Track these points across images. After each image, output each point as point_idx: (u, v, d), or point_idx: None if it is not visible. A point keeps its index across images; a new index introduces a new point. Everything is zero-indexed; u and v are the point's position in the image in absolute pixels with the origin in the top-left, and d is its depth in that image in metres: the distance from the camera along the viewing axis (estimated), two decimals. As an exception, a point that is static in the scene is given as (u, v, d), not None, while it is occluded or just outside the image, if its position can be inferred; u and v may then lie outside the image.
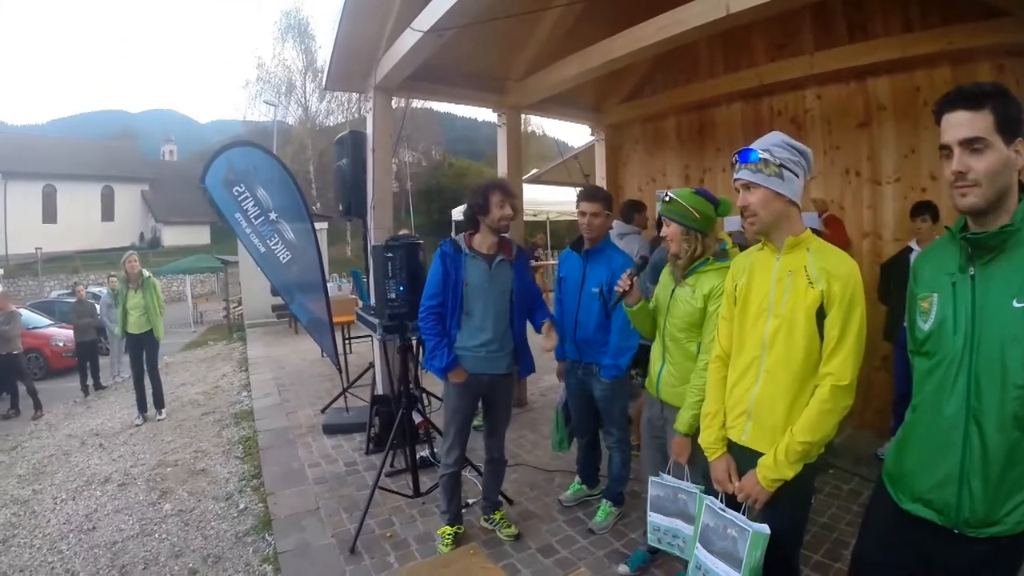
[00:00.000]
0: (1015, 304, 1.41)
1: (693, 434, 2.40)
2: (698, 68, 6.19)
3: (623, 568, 3.10)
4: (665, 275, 2.75)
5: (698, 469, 2.41)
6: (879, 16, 4.71)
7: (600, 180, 7.33)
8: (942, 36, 4.11)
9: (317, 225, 13.46)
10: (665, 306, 2.66)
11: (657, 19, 3.89)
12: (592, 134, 7.51)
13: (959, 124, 1.44)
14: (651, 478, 2.57)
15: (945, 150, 1.47)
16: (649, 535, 2.58)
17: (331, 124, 35.11)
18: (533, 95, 5.63)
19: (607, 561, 3.23)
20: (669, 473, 2.52)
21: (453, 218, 14.90)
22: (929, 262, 1.68)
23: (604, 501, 3.61)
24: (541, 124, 34.83)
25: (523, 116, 6.72)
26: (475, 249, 3.17)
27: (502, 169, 6.04)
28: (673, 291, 2.63)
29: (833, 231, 4.58)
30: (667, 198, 2.57)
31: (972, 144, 1.42)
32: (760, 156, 1.89)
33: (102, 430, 6.69)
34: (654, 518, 2.54)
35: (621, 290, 2.55)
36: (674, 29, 3.78)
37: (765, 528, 1.85)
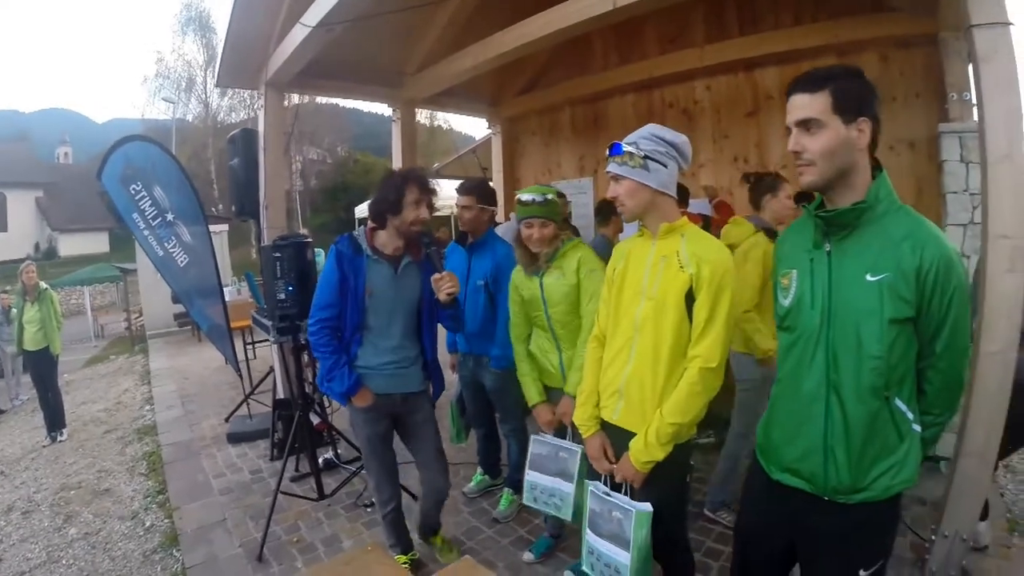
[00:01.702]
0: (868, 278, 1.48)
1: None
2: (593, 61, 6.30)
3: (528, 555, 3.15)
4: (518, 276, 2.84)
5: None
6: (770, 9, 4.88)
7: (497, 173, 7.40)
8: (829, 29, 4.33)
9: (217, 227, 13.04)
10: (539, 299, 2.73)
11: (548, 12, 3.95)
12: (489, 127, 7.56)
13: (798, 106, 1.52)
14: (533, 436, 2.70)
15: (789, 131, 1.55)
16: (525, 495, 2.68)
17: (233, 121, 33.69)
18: (428, 89, 5.63)
19: (512, 549, 3.28)
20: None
21: (357, 216, 14.64)
22: (788, 240, 1.76)
23: (506, 490, 3.67)
24: (448, 118, 34.53)
25: (433, 111, 6.72)
26: (378, 250, 2.67)
27: (397, 165, 5.99)
28: (541, 282, 2.72)
29: (723, 216, 4.77)
30: (543, 199, 2.64)
31: (807, 125, 1.50)
32: (625, 149, 1.96)
33: (2, 457, 6.29)
34: (532, 476, 2.64)
35: None
36: (565, 22, 3.85)
37: (647, 506, 1.91)
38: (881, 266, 1.47)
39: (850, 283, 1.51)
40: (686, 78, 5.47)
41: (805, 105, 1.50)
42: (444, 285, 2.56)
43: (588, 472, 2.24)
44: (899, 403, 1.52)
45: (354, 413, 2.77)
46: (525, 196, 2.66)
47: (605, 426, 2.13)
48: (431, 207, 2.70)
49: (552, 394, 2.81)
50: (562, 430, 2.66)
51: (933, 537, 2.70)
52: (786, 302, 1.66)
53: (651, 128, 1.99)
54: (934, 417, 1.58)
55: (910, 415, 1.53)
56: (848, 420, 1.52)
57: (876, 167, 1.55)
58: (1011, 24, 2.44)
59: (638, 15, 4.10)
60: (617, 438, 2.06)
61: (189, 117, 34.96)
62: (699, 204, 4.93)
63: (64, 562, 3.68)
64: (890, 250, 1.47)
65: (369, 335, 2.70)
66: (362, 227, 2.78)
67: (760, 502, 1.80)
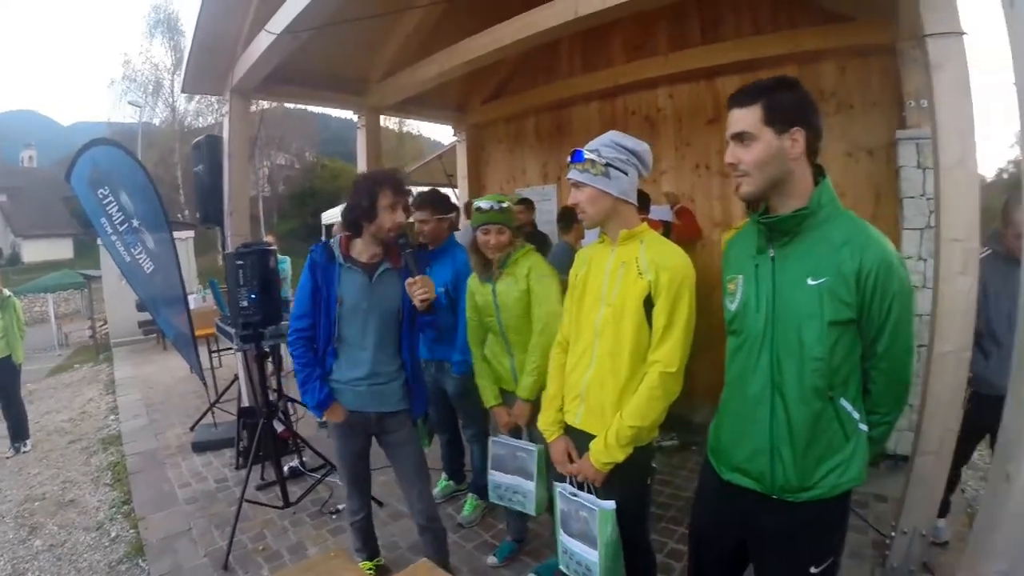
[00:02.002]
0: (809, 282, 1.51)
1: (534, 399, 2.62)
2: (558, 68, 6.35)
3: (491, 559, 3.19)
4: (473, 282, 2.90)
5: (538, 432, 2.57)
6: (731, 18, 4.97)
7: (462, 179, 7.43)
8: (788, 39, 4.40)
9: (183, 234, 12.83)
10: (492, 305, 2.79)
11: (512, 20, 3.98)
12: (455, 134, 7.57)
13: (733, 120, 1.56)
14: (491, 438, 2.79)
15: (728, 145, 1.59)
16: (490, 493, 2.77)
17: (200, 125, 33.32)
18: (393, 96, 5.64)
19: (476, 553, 3.31)
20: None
21: (324, 223, 14.35)
22: (735, 246, 1.78)
23: (470, 495, 3.70)
24: (417, 125, 34.47)
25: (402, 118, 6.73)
26: (352, 258, 2.55)
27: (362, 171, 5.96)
28: (493, 289, 2.78)
29: (685, 222, 4.87)
30: (499, 207, 2.71)
31: (741, 137, 1.54)
32: (587, 156, 1.97)
33: (-36, 470, 6.13)
34: (495, 476, 2.74)
35: None
36: (529, 30, 3.87)
37: (610, 504, 1.95)
38: (822, 270, 1.50)
39: (792, 287, 1.55)
40: (649, 86, 5.53)
41: (739, 119, 1.54)
42: (417, 290, 2.43)
43: (554, 473, 2.27)
44: (844, 403, 1.55)
45: (331, 426, 2.70)
46: (482, 203, 2.72)
47: (569, 430, 2.16)
48: (407, 210, 2.60)
49: (507, 397, 2.87)
50: (518, 430, 2.76)
51: (893, 534, 2.76)
52: (732, 307, 1.69)
53: (612, 135, 2.01)
54: (880, 416, 1.61)
55: (856, 415, 1.56)
56: (792, 420, 1.55)
57: (820, 174, 1.59)
58: (964, 34, 2.50)
59: (603, 24, 4.14)
60: (580, 441, 2.09)
61: (156, 121, 34.49)
62: (661, 210, 5.01)
63: (30, 574, 3.64)
64: (831, 255, 1.50)
65: (343, 347, 2.57)
66: (336, 236, 2.65)
67: (712, 502, 1.83)
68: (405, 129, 34.58)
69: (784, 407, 1.56)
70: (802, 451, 1.55)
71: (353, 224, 2.53)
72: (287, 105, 30.27)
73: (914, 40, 2.86)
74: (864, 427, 1.59)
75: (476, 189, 7.27)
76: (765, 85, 1.54)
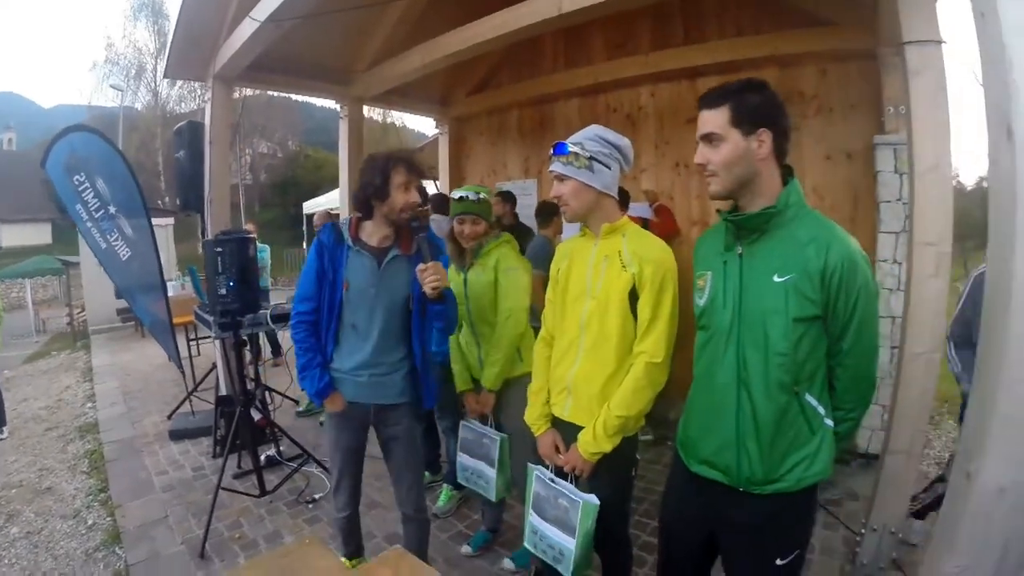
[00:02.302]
0: (775, 279, 1.55)
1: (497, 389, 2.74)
2: (542, 64, 6.39)
3: (465, 548, 3.24)
4: (450, 271, 2.89)
5: (509, 420, 2.71)
6: (714, 20, 5.02)
7: (444, 172, 7.46)
8: (769, 42, 4.46)
9: (163, 221, 12.70)
10: (463, 294, 2.84)
11: (496, 15, 3.99)
12: (437, 127, 7.60)
13: (702, 122, 1.60)
14: (462, 422, 2.86)
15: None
16: (458, 474, 2.86)
17: (183, 111, 32.76)
18: (376, 87, 5.64)
19: (451, 544, 3.36)
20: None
21: (305, 212, 14.16)
22: (705, 243, 1.82)
23: (445, 485, 3.74)
24: (402, 116, 34.07)
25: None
26: (362, 240, 2.45)
27: (344, 162, 6.02)
28: (465, 278, 2.84)
29: (663, 219, 4.93)
30: (476, 198, 2.76)
31: (710, 138, 1.58)
32: (571, 149, 1.98)
33: (-60, 458, 6.09)
34: (462, 458, 2.84)
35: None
36: (512, 25, 3.89)
37: (594, 498, 1.98)
38: (788, 268, 1.54)
39: (759, 284, 1.59)
40: (631, 84, 5.59)
41: (707, 120, 1.58)
42: (428, 276, 2.28)
43: (534, 457, 2.29)
44: (809, 398, 1.58)
45: (327, 415, 2.59)
46: (461, 193, 2.77)
47: (557, 422, 2.19)
48: (421, 191, 2.52)
49: (479, 385, 2.93)
50: (486, 417, 2.85)
51: (863, 531, 2.80)
52: (701, 302, 1.73)
53: (596, 129, 2.04)
54: (845, 412, 1.64)
55: (821, 410, 1.60)
56: (757, 414, 1.59)
57: (788, 174, 1.62)
58: (943, 42, 2.54)
59: (587, 22, 4.17)
60: (568, 433, 2.11)
61: (138, 106, 34.01)
62: (640, 208, 5.07)
63: (6, 561, 3.62)
64: (797, 253, 1.53)
65: (347, 334, 2.47)
66: (347, 218, 2.54)
67: (681, 494, 1.87)
68: (389, 120, 34.26)
69: (750, 401, 1.60)
70: (768, 444, 1.58)
71: (364, 203, 2.42)
72: (271, 93, 30.04)
73: (894, 46, 2.90)
74: (830, 422, 1.62)
75: (457, 181, 7.30)
76: (733, 87, 1.58)
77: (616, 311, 1.97)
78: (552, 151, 2.06)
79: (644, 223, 4.54)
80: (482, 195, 2.77)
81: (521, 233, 4.48)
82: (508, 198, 5.12)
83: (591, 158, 1.98)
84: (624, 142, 2.05)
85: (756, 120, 1.54)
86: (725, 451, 1.65)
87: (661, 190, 5.35)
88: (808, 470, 1.59)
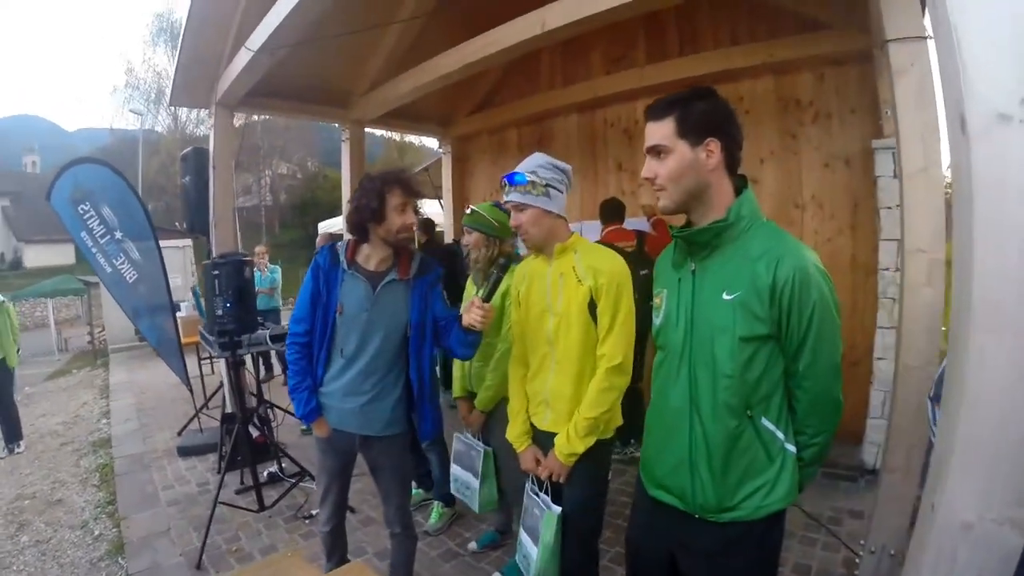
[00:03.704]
0: (724, 297, 1.47)
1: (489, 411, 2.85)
2: (539, 81, 6.46)
3: (472, 545, 3.42)
4: (470, 285, 3.03)
5: (496, 438, 2.74)
6: (709, 30, 5.02)
7: (447, 192, 7.56)
8: (764, 49, 4.43)
9: (181, 242, 12.86)
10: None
11: (483, 36, 4.07)
12: (439, 147, 7.69)
13: (648, 134, 1.54)
14: (456, 435, 2.94)
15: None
16: (452, 485, 2.94)
17: (202, 133, 33.42)
18: (376, 109, 5.76)
19: (440, 561, 3.40)
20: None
21: (320, 231, 13.86)
22: (663, 261, 1.76)
23: (435, 503, 3.78)
24: (417, 136, 34.38)
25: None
26: (358, 264, 2.37)
27: (347, 184, 6.14)
28: (478, 293, 2.90)
29: (660, 232, 4.95)
30: (469, 211, 2.88)
31: (655, 151, 1.52)
32: (528, 179, 2.07)
33: (-41, 468, 6.28)
34: (455, 469, 2.93)
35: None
36: (498, 45, 3.97)
37: (556, 508, 2.08)
38: (736, 284, 1.46)
39: (708, 302, 1.52)
40: (628, 98, 5.59)
41: (653, 132, 1.52)
42: (476, 314, 2.17)
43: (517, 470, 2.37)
44: (766, 422, 1.50)
45: (315, 437, 2.50)
46: (468, 208, 2.93)
47: (538, 433, 2.26)
48: (417, 211, 2.41)
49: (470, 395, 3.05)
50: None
51: (862, 552, 2.67)
52: (657, 321, 1.69)
53: (543, 157, 2.12)
54: (808, 437, 1.55)
55: (780, 435, 1.51)
56: (708, 437, 1.52)
57: (742, 185, 1.56)
58: (928, 38, 2.38)
59: (582, 36, 4.21)
60: (550, 442, 2.17)
61: (159, 128, 34.61)
62: (637, 222, 5.11)
63: (15, 568, 3.75)
64: (746, 268, 1.46)
65: (338, 359, 2.38)
66: (345, 240, 2.47)
67: (643, 516, 1.83)
68: (407, 139, 34.58)
69: (701, 423, 1.53)
70: (720, 470, 1.51)
71: (359, 227, 2.34)
72: (288, 114, 30.36)
73: (879, 45, 2.72)
74: (791, 447, 1.53)
75: (461, 200, 7.41)
76: (678, 97, 1.51)
77: (578, 322, 2.06)
78: (506, 181, 2.12)
79: (640, 235, 4.61)
80: (477, 210, 2.87)
81: (443, 256, 4.63)
82: (426, 225, 5.46)
83: (547, 185, 2.07)
84: (568, 167, 2.16)
85: (703, 130, 1.47)
86: (678, 473, 1.59)
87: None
88: (767, 498, 1.50)
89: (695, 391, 1.54)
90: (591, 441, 2.06)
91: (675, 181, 1.50)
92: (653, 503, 1.69)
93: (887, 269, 3.91)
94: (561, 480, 2.12)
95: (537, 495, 2.19)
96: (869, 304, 4.18)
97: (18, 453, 6.34)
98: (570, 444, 2.06)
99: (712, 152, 1.48)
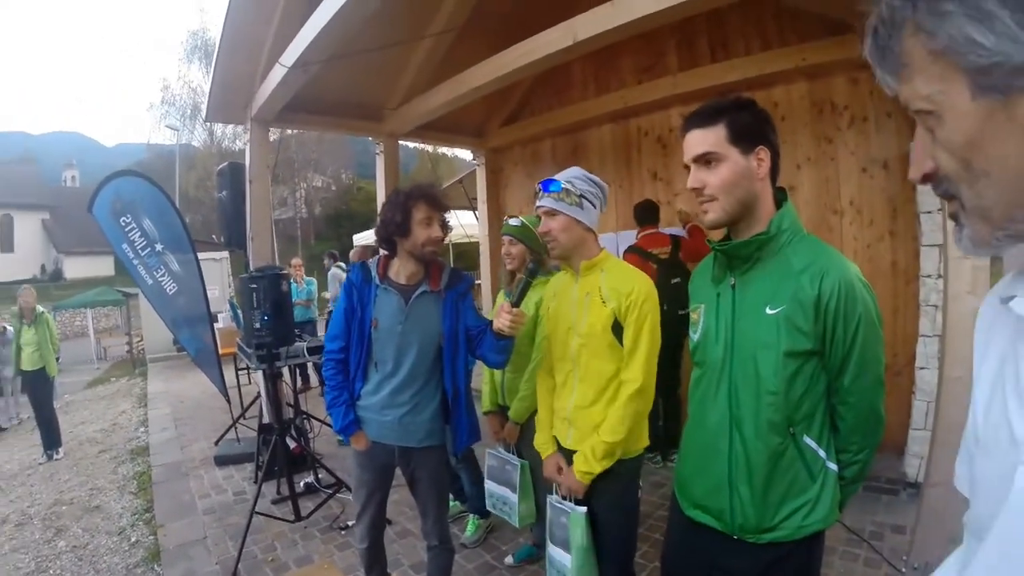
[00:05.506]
0: (767, 311, 1.44)
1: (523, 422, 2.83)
2: (572, 92, 6.43)
3: (508, 559, 3.39)
4: (501, 298, 3.03)
5: (529, 448, 2.68)
6: (740, 36, 4.97)
7: (482, 203, 7.57)
8: (796, 53, 4.36)
9: (219, 255, 13.06)
10: None
11: (515, 47, 4.08)
12: (474, 158, 7.72)
13: (694, 143, 1.47)
14: (488, 450, 2.92)
15: (688, 171, 1.50)
16: (487, 501, 2.91)
17: (238, 148, 34.05)
18: (409, 123, 5.80)
19: (476, 574, 3.39)
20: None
21: (355, 244, 13.79)
22: (699, 275, 1.72)
23: (471, 515, 3.78)
24: (450, 148, 34.51)
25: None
26: (390, 278, 2.44)
27: (381, 197, 6.15)
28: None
29: (695, 239, 4.92)
30: (519, 222, 2.88)
31: (705, 158, 1.45)
32: (563, 186, 2.06)
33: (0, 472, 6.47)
34: (489, 485, 2.89)
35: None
36: (529, 57, 3.98)
37: (582, 509, 2.05)
38: (780, 298, 1.43)
39: (750, 316, 1.48)
40: (661, 107, 5.53)
41: (701, 140, 1.46)
42: (506, 319, 2.17)
43: (546, 485, 2.35)
44: (808, 440, 1.46)
45: (353, 452, 2.53)
46: (508, 219, 2.96)
47: (561, 450, 2.23)
48: (444, 225, 2.44)
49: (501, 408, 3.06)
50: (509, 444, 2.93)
51: (903, 569, 2.65)
52: (695, 336, 1.64)
53: (580, 171, 2.12)
54: (851, 455, 1.51)
55: (822, 453, 1.48)
56: (750, 456, 1.48)
57: (782, 197, 1.52)
58: None
59: (613, 46, 4.18)
60: (571, 460, 2.15)
61: (195, 143, 35.16)
62: (673, 231, 5.07)
63: (52, 572, 3.82)
64: (789, 281, 1.43)
65: (375, 373, 2.43)
66: (376, 257, 2.53)
67: (678, 536, 1.78)
68: (440, 151, 34.75)
69: (742, 442, 1.49)
70: (761, 489, 1.47)
71: (387, 241, 2.42)
72: (322, 127, 30.74)
73: None
74: (833, 465, 1.50)
75: (496, 212, 7.41)
76: (725, 104, 1.47)
77: (602, 344, 2.03)
78: (540, 188, 2.12)
79: (675, 241, 4.60)
80: (523, 221, 2.90)
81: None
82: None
83: (581, 196, 2.05)
84: (606, 186, 2.15)
85: (754, 137, 1.44)
86: (717, 494, 1.55)
87: (695, 211, 5.28)
88: (808, 518, 1.46)
89: (736, 408, 1.50)
90: (608, 464, 2.02)
91: (728, 191, 1.44)
92: (690, 523, 1.65)
93: (929, 276, 3.82)
94: (579, 495, 2.10)
95: (560, 504, 2.16)
96: (911, 312, 4.10)
97: (57, 459, 6.52)
98: (587, 463, 2.03)
99: (762, 160, 1.45)
